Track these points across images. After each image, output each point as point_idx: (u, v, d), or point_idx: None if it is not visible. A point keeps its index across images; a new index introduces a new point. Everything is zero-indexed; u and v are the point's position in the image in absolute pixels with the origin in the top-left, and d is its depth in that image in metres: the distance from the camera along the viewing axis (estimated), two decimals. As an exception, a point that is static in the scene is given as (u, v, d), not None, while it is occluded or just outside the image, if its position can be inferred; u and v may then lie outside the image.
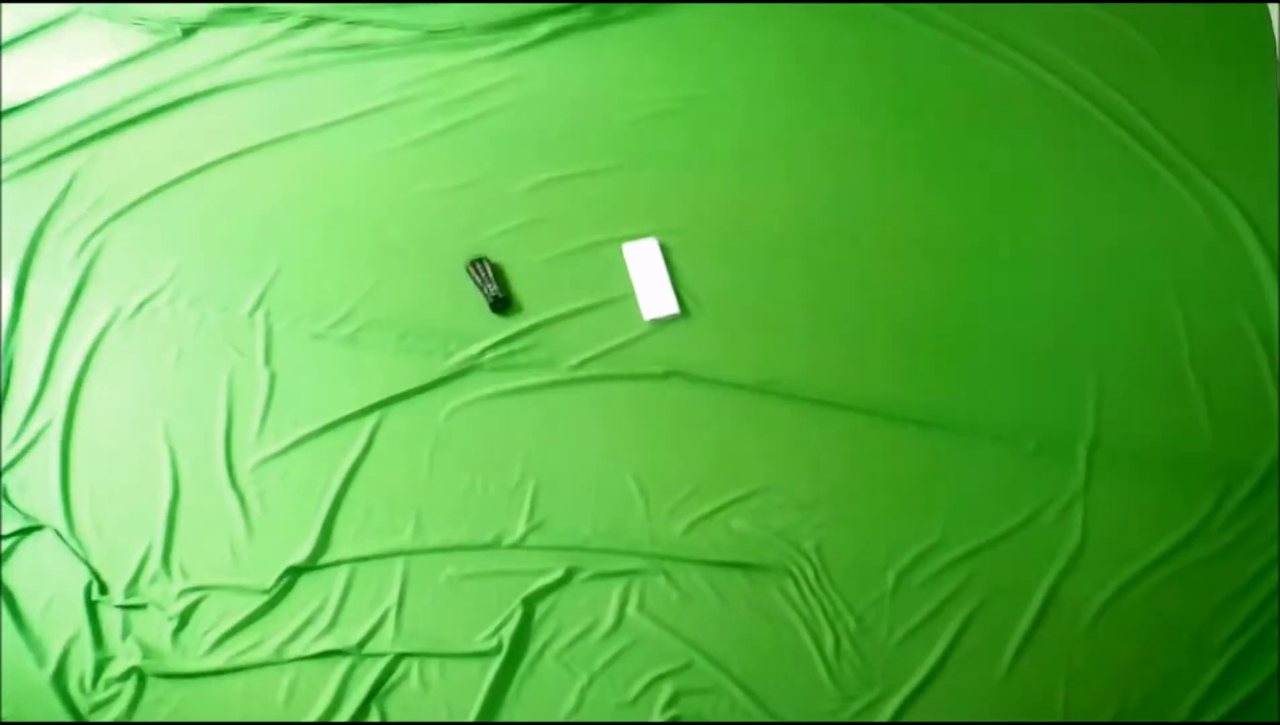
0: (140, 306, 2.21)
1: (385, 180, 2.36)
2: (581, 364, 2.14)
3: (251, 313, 2.20)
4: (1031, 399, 2.11)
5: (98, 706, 1.88)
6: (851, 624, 1.93)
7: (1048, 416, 2.09)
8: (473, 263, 2.22)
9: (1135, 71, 2.53)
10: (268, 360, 2.15)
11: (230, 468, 2.06)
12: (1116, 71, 2.53)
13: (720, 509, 2.02)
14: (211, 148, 2.39)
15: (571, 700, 1.89)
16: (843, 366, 2.14)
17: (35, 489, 2.05)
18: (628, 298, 2.20)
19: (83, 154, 2.41)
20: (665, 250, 2.26)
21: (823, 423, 2.09)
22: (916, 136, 2.45)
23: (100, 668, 1.91)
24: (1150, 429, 2.08)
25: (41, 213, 2.33)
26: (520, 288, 2.23)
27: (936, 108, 2.50)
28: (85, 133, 2.43)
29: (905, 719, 1.86)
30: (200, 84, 2.53)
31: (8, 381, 2.14)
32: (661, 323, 2.18)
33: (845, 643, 1.92)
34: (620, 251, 2.25)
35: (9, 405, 2.12)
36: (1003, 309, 2.21)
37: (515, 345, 2.16)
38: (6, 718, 1.88)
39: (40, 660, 1.91)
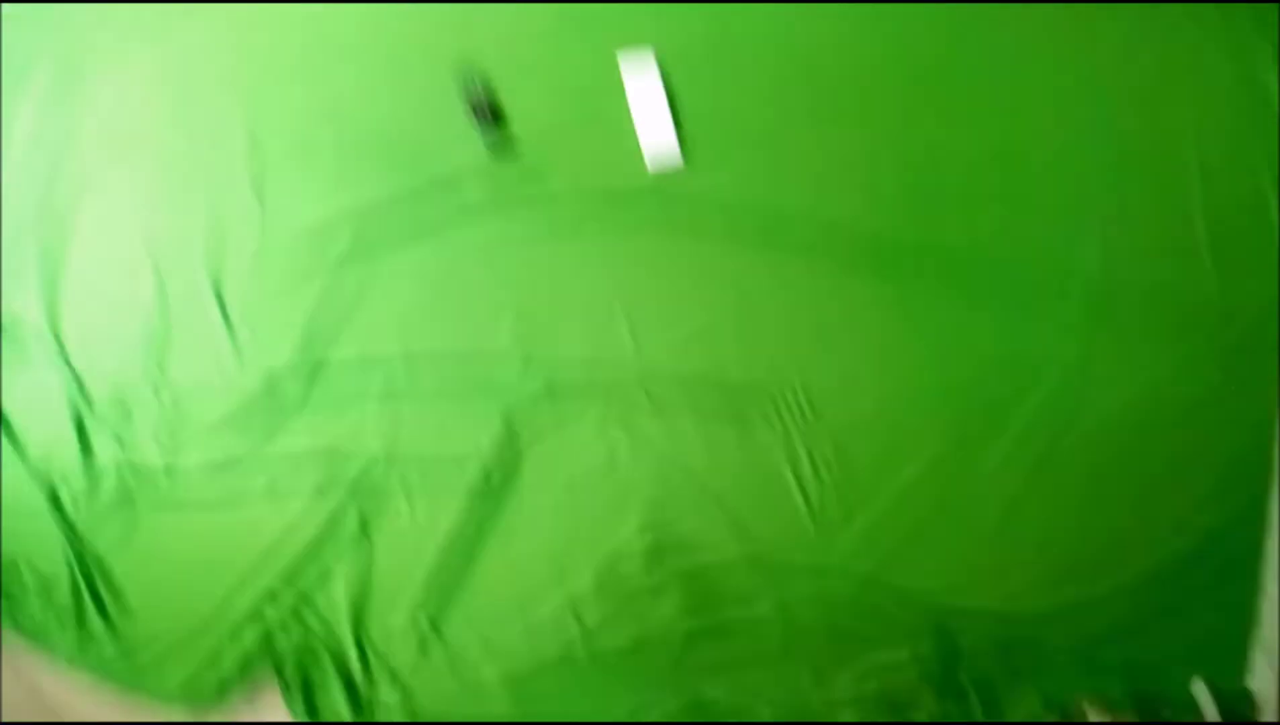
0: (128, 122, 2.12)
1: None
2: (571, 190, 2.09)
3: (236, 125, 2.11)
4: (1034, 245, 2.07)
5: (82, 510, 1.93)
6: (828, 449, 1.97)
7: (1049, 261, 2.06)
8: (464, 82, 2.14)
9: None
10: (251, 172, 2.09)
11: (214, 279, 2.04)
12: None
13: (704, 334, 2.03)
14: None
15: (548, 510, 1.95)
16: (846, 200, 2.09)
17: (19, 300, 2.03)
18: (623, 124, 2.12)
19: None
20: (669, 82, 2.15)
21: (810, 264, 2.06)
22: None
23: (87, 474, 1.95)
24: (1152, 274, 2.04)
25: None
26: (513, 110, 2.15)
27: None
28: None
29: (874, 538, 1.92)
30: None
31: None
32: (664, 167, 2.12)
33: (821, 466, 1.96)
34: (624, 85, 2.15)
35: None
36: (1012, 154, 2.13)
37: (502, 164, 2.10)
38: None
39: (31, 472, 1.95)
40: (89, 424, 1.98)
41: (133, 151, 2.13)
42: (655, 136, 2.11)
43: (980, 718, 1.82)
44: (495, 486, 1.95)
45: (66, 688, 1.89)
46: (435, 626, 1.88)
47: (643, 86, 2.13)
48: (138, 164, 2.12)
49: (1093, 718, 1.66)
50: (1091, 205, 2.10)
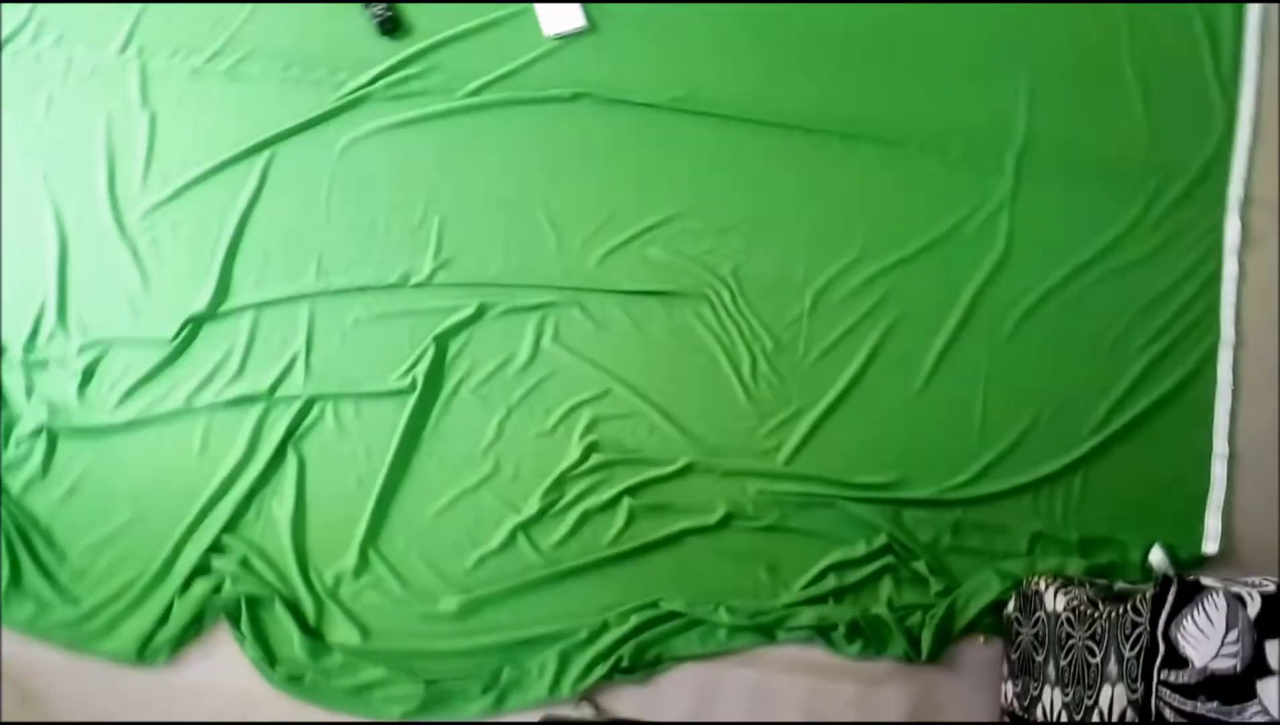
0: (3, 53, 2.04)
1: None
2: (481, 89, 2.01)
3: (122, 49, 2.04)
4: (959, 104, 2.00)
5: (11, 466, 1.89)
6: (768, 344, 1.93)
7: (976, 122, 2.00)
8: (363, -15, 2.04)
9: None
10: (145, 100, 2.02)
11: (118, 217, 1.97)
12: None
13: (634, 237, 1.97)
14: None
15: (490, 432, 1.91)
16: (761, 79, 2.02)
17: None
18: (529, 13, 2.04)
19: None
20: (571, -42, 2.07)
21: (739, 140, 2.00)
22: None
23: (9, 428, 1.90)
24: (1083, 131, 1.99)
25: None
26: (411, 6, 2.05)
27: None
28: None
29: (821, 432, 1.89)
30: None
31: None
32: (566, 39, 2.03)
33: (762, 363, 1.92)
34: (519, -40, 2.06)
35: None
36: (928, 12, 2.04)
37: (409, 70, 2.02)
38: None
39: None
40: (6, 381, 1.93)
41: (12, 88, 2.04)
42: (554, 3, 2.03)
43: (939, 605, 1.82)
44: (431, 415, 1.91)
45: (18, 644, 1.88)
46: (388, 562, 1.86)
47: None
48: (20, 100, 2.03)
49: (1044, 590, 1.66)
50: (1019, 64, 2.02)
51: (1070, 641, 1.50)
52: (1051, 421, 1.90)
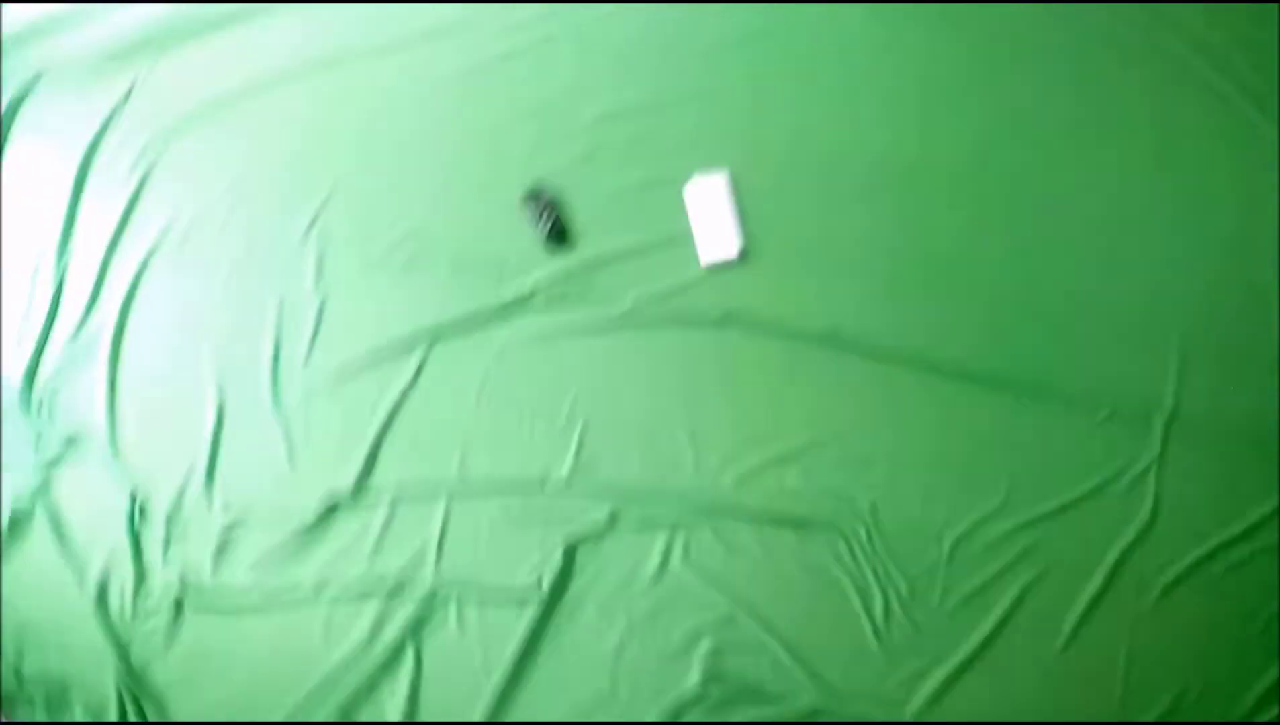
0: (193, 222, 2.19)
1: (445, 106, 2.30)
2: (636, 305, 2.09)
3: (303, 237, 2.17)
4: (1110, 364, 2.02)
5: (137, 631, 1.91)
6: (903, 588, 1.89)
7: (1126, 383, 2.00)
8: (531, 192, 2.16)
9: (1230, 14, 2.34)
10: (317, 285, 2.13)
11: (276, 394, 2.06)
12: (1215, 15, 2.34)
13: (773, 463, 1.99)
14: (271, 65, 2.35)
15: (610, 648, 1.89)
16: (910, 320, 2.07)
17: (83, 404, 2.07)
18: (687, 238, 2.13)
19: (142, 65, 2.37)
20: (735, 184, 2.16)
21: (885, 378, 2.03)
22: (995, 79, 2.26)
23: (139, 592, 1.94)
24: (1233, 402, 1.99)
25: (98, 124, 2.31)
26: (577, 222, 2.17)
27: (1018, 51, 2.31)
28: (145, 43, 2.39)
29: (955, 688, 1.82)
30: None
31: (59, 294, 2.14)
32: (721, 268, 2.11)
33: (895, 607, 1.88)
34: (681, 190, 2.17)
35: (59, 319, 2.12)
36: (1085, 267, 2.10)
37: (569, 282, 2.11)
38: (49, 628, 1.90)
39: (80, 580, 1.93)
40: (144, 540, 1.98)
41: (195, 257, 2.17)
42: (714, 232, 2.11)
43: None
44: (554, 623, 1.89)
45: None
46: (492, 774, 1.81)
47: (707, 192, 2.14)
48: (200, 270, 2.16)
49: None
50: (1171, 327, 2.03)
51: None
52: (1197, 703, 1.82)
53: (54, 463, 2.02)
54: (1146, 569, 1.88)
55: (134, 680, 1.89)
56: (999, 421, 1.99)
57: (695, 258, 2.11)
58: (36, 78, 2.33)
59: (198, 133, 2.26)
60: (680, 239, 2.13)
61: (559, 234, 2.12)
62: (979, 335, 2.04)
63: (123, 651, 1.92)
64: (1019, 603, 1.87)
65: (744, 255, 2.11)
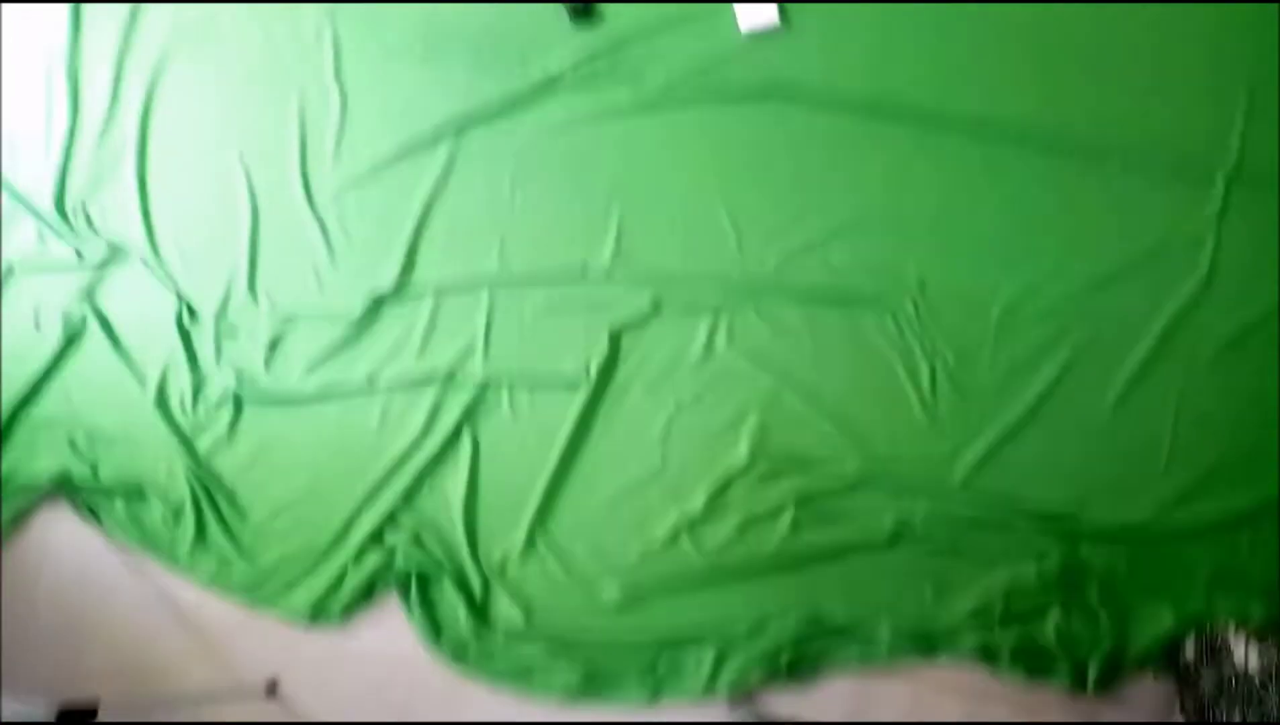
0: (201, 18, 2.10)
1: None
2: (670, 81, 2.00)
3: (318, 27, 2.08)
4: (1172, 119, 1.91)
5: (199, 427, 1.99)
6: (950, 359, 1.90)
7: (1188, 138, 1.90)
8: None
9: None
10: (338, 78, 2.06)
11: (308, 192, 2.04)
12: None
13: (817, 240, 1.95)
14: None
15: (658, 429, 1.94)
16: (959, 83, 1.96)
17: (117, 216, 2.08)
18: (721, 6, 2.01)
19: None
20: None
21: (933, 146, 1.95)
22: None
23: (198, 390, 2.00)
24: None
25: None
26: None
27: None
28: None
29: (1002, 452, 1.85)
30: None
31: (75, 101, 2.09)
32: (760, 37, 2.00)
33: (942, 378, 1.90)
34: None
35: (80, 127, 2.09)
36: (1144, 16, 1.95)
37: (598, 59, 2.02)
38: (121, 438, 1.98)
39: (141, 383, 1.99)
40: (196, 340, 2.03)
41: (210, 54, 2.10)
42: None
43: (1108, 637, 1.78)
44: (602, 407, 1.93)
45: (196, 592, 1.99)
46: (554, 548, 1.91)
47: None
48: (217, 68, 2.10)
49: (1233, 641, 1.61)
50: (1238, 77, 1.90)
51: (1265, 705, 1.46)
52: (1244, 460, 1.84)
53: (98, 272, 2.05)
54: (1201, 329, 1.86)
55: (203, 471, 1.99)
56: (1053, 184, 1.92)
57: (731, 27, 2.00)
58: None
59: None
60: (714, 8, 2.01)
61: (585, 7, 2.01)
62: (1032, 96, 1.93)
63: (189, 445, 2.00)
64: (1068, 367, 1.87)
65: (785, 20, 1.99)
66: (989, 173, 1.93)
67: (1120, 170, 1.90)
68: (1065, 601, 1.83)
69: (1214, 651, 1.63)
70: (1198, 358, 1.86)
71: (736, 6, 1.99)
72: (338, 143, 2.05)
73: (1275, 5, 1.89)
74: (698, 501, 1.89)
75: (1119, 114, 1.92)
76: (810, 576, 1.87)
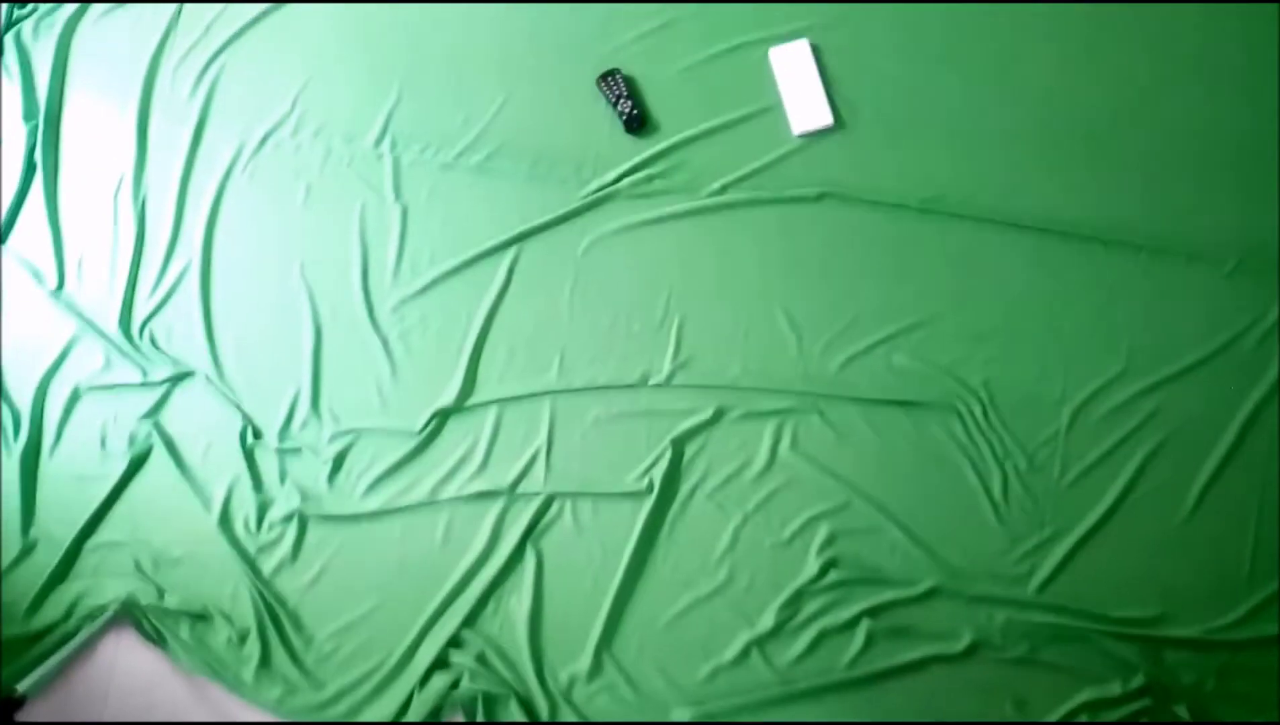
0: (264, 140, 2.22)
1: (503, -12, 2.23)
2: (725, 187, 2.07)
3: (378, 143, 2.18)
4: (1234, 212, 1.96)
5: (263, 548, 2.02)
6: (1022, 463, 1.90)
7: (1252, 231, 1.94)
8: (604, 77, 2.12)
9: None
10: (398, 194, 2.14)
11: (370, 309, 2.10)
12: None
13: (879, 342, 1.98)
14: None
15: (725, 540, 1.94)
16: (1018, 179, 2.01)
17: (181, 336, 2.15)
18: (775, 110, 2.09)
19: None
20: (816, 52, 2.08)
21: (994, 243, 1.99)
22: None
23: (262, 511, 2.04)
24: None
25: (155, 42, 2.30)
26: (656, 103, 2.14)
27: None
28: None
29: (1077, 560, 1.84)
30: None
31: (141, 229, 2.17)
32: (813, 137, 2.06)
33: (1014, 482, 1.89)
34: (766, 57, 2.09)
35: (146, 254, 2.16)
36: (1201, 109, 2.01)
37: (654, 168, 2.09)
38: (186, 559, 2.01)
39: (205, 504, 2.04)
40: (260, 460, 2.06)
41: (271, 176, 2.18)
42: (802, 103, 2.05)
43: (1202, 752, 1.75)
44: (667, 519, 1.94)
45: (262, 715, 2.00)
46: (621, 667, 1.91)
47: (791, 60, 2.07)
48: (279, 189, 2.17)
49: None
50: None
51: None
52: (1329, 562, 1.81)
53: (163, 393, 2.10)
54: (1275, 430, 1.85)
55: (268, 593, 2.01)
56: (1117, 282, 1.95)
57: (783, 130, 2.06)
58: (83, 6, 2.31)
59: (254, 44, 2.26)
60: (765, 112, 2.08)
61: (638, 118, 2.07)
62: (1091, 192, 1.98)
63: (253, 567, 2.03)
64: (1143, 470, 1.87)
65: (839, 123, 2.04)
66: (1051, 272, 1.96)
67: (1184, 265, 1.93)
68: (1153, 715, 1.80)
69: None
70: (1275, 459, 1.86)
71: (789, 109, 2.04)
72: (399, 257, 2.12)
73: None
74: (768, 618, 1.89)
75: (1179, 209, 1.96)
76: (886, 694, 1.85)
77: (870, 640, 1.86)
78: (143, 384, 2.12)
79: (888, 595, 1.88)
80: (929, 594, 1.87)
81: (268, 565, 2.03)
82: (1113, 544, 1.86)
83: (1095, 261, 1.95)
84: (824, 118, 2.05)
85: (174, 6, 2.30)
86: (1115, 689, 1.80)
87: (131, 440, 2.10)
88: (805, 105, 2.06)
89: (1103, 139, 2.02)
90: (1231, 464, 1.86)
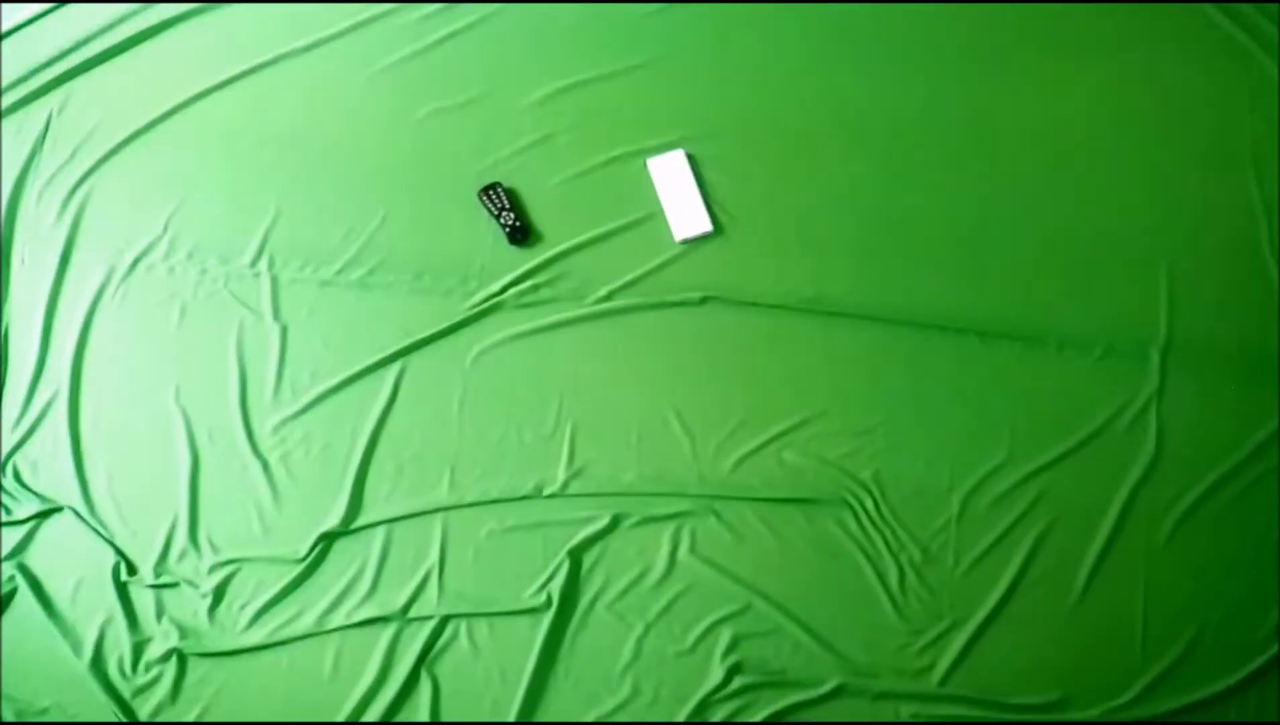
0: (135, 263, 2.17)
1: (382, 103, 2.28)
2: (611, 294, 2.09)
3: (254, 262, 2.14)
4: (1099, 299, 2.06)
5: (140, 690, 1.92)
6: (916, 555, 1.92)
7: (1118, 317, 2.04)
8: (485, 190, 2.14)
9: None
10: (276, 313, 2.11)
11: (249, 432, 2.04)
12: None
13: (770, 441, 2.00)
14: (193, 79, 2.30)
15: (628, 652, 1.91)
16: (892, 278, 2.09)
17: (48, 469, 2.06)
18: (656, 218, 2.14)
19: (57, 95, 2.31)
20: (693, 162, 2.14)
21: (874, 340, 2.05)
22: (953, 21, 2.27)
23: (138, 650, 1.94)
24: (1228, 326, 2.03)
25: (18, 165, 2.26)
26: (538, 214, 2.16)
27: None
28: (57, 71, 2.33)
29: (977, 649, 1.85)
30: (175, 9, 2.39)
31: (3, 360, 2.08)
32: (694, 243, 2.11)
33: (910, 575, 1.91)
34: (644, 167, 2.15)
35: (9, 382, 2.07)
36: (1062, 203, 2.14)
37: (539, 278, 2.10)
38: (53, 709, 1.88)
39: (76, 647, 1.94)
40: (135, 597, 1.95)
41: (143, 301, 2.13)
42: (682, 211, 2.10)
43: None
44: (567, 634, 1.90)
45: None
46: (526, 794, 1.84)
47: (669, 170, 2.12)
48: (151, 314, 2.11)
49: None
50: (1158, 255, 2.06)
51: None
52: (1219, 633, 1.87)
53: (28, 531, 1.99)
54: (1156, 506, 1.93)
55: (147, 735, 1.90)
56: (993, 372, 2.02)
57: (665, 237, 2.11)
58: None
59: (125, 165, 2.22)
60: (647, 220, 2.13)
61: (522, 229, 2.09)
62: (964, 287, 2.06)
63: (129, 712, 1.91)
64: (1033, 554, 1.91)
65: (717, 229, 2.09)
66: (929, 365, 2.02)
67: (1056, 353, 2.01)
68: (1062, 801, 1.81)
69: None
70: (1156, 535, 1.92)
71: (670, 217, 2.09)
72: (279, 377, 2.07)
73: (1179, 191, 2.06)
74: (676, 730, 1.86)
75: (1048, 298, 2.05)
76: (803, 799, 1.83)
77: (784, 747, 1.87)
78: (5, 523, 2.02)
79: (793, 698, 1.86)
80: (834, 693, 1.85)
81: (145, 708, 1.91)
82: (1010, 630, 1.89)
83: (971, 353, 2.03)
84: (703, 224, 2.11)
85: (39, 126, 2.27)
86: (1025, 776, 1.83)
87: (-5, 584, 2.00)
88: (685, 213, 2.12)
89: (973, 237, 2.11)
90: (1116, 543, 1.92)
